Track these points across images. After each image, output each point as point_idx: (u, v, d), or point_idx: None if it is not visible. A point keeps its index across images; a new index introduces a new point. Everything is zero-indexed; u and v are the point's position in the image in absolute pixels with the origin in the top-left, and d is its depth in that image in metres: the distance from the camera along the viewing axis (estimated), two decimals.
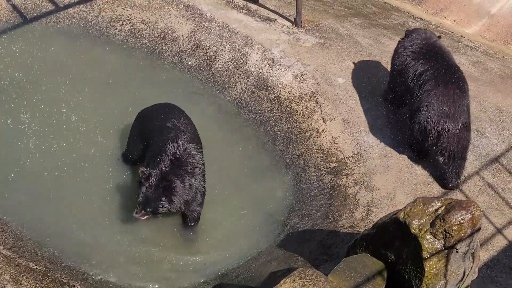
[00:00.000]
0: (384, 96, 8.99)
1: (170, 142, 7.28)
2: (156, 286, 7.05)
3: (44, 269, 6.58)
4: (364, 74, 9.34)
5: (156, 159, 7.27)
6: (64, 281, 6.51)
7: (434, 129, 7.85)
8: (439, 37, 8.60)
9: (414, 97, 8.12)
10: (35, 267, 6.57)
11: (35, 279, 6.38)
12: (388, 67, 8.89)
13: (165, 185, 7.04)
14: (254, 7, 10.34)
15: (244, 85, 9.34)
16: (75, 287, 6.47)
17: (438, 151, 8.03)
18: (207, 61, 9.62)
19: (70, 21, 9.97)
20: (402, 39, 8.70)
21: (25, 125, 8.36)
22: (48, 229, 7.27)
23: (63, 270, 6.76)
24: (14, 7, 9.75)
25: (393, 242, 6.12)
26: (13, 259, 6.57)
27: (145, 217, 7.22)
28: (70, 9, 10.00)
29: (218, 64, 9.58)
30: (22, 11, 9.78)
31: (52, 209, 7.48)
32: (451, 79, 8.01)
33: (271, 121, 8.97)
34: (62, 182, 7.79)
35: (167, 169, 7.14)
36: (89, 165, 8.02)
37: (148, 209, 7.12)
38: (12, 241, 6.91)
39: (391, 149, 8.33)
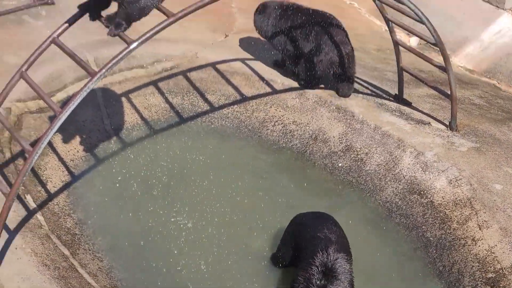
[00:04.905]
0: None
1: (320, 253, 7.11)
2: None
3: None
4: None
5: (307, 273, 7.06)
6: None
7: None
8: None
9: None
10: None
11: None
12: None
13: None
14: (407, 109, 10.21)
15: (396, 188, 9.13)
16: None
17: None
18: (358, 163, 9.53)
19: (223, 121, 10.24)
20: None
21: (179, 221, 8.45)
22: None
23: None
24: (172, 107, 10.14)
25: None
26: None
27: None
28: (224, 109, 10.29)
29: (369, 167, 9.45)
30: (179, 111, 10.15)
31: None
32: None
33: (423, 226, 8.66)
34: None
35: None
36: (237, 263, 7.96)
37: None
38: None
39: None
